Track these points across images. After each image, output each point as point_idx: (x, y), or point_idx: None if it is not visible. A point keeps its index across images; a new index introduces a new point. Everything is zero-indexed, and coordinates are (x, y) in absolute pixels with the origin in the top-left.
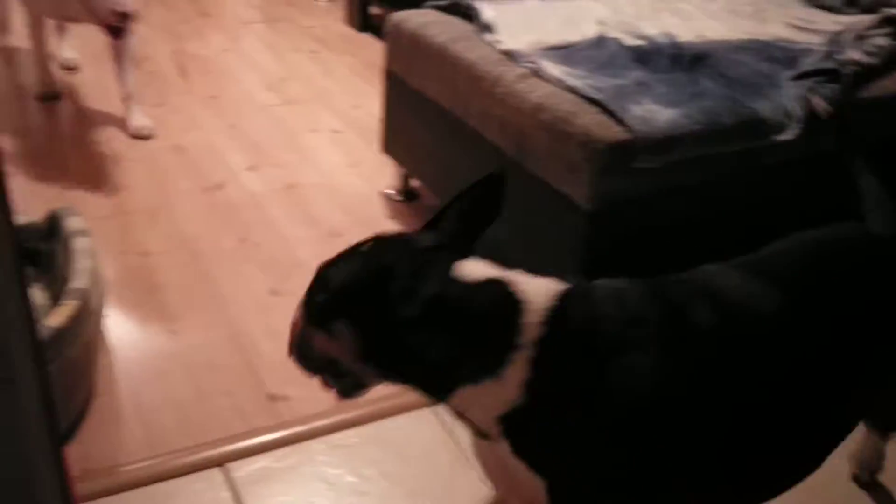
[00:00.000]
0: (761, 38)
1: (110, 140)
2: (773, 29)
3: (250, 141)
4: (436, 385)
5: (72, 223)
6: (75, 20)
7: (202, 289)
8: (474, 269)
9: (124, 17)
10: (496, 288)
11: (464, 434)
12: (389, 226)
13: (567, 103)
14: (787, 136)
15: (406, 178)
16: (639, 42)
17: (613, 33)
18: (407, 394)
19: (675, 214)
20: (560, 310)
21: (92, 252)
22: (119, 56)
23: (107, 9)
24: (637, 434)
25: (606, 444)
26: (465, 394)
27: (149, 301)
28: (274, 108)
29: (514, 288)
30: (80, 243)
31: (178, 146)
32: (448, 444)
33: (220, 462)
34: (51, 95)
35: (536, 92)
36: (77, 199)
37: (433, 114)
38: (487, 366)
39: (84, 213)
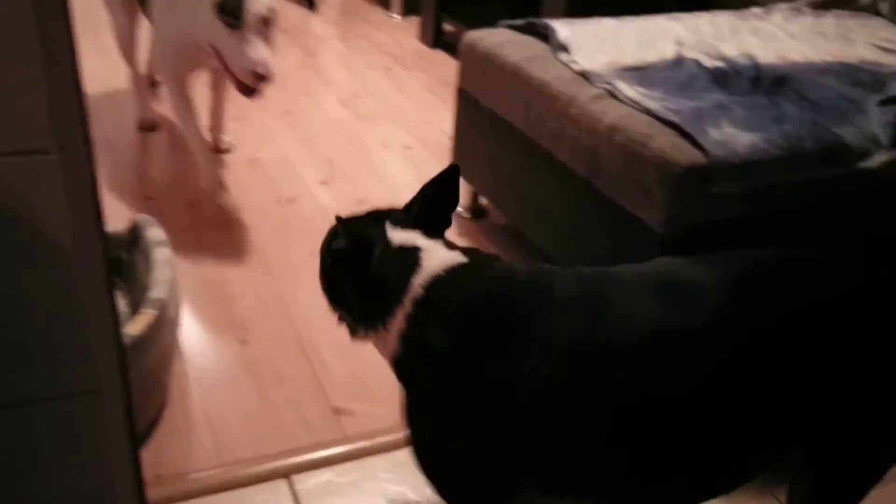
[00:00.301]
0: (847, 60)
1: (189, 154)
2: (860, 51)
3: (323, 156)
4: (354, 325)
5: (153, 234)
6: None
7: (273, 301)
8: (405, 237)
9: (263, 79)
10: (408, 253)
11: None
12: (458, 242)
13: (642, 125)
14: (873, 163)
15: (475, 196)
16: (718, 63)
17: (692, 54)
18: None
19: (752, 241)
20: (443, 278)
21: (171, 262)
22: (222, 96)
23: (248, 70)
24: (445, 410)
25: (429, 410)
26: (371, 337)
27: (221, 311)
28: (347, 124)
29: (420, 255)
30: (160, 254)
31: (253, 160)
32: None
33: (285, 474)
34: (149, 126)
35: (611, 113)
36: (157, 210)
37: (505, 133)
38: (380, 316)
39: (163, 225)
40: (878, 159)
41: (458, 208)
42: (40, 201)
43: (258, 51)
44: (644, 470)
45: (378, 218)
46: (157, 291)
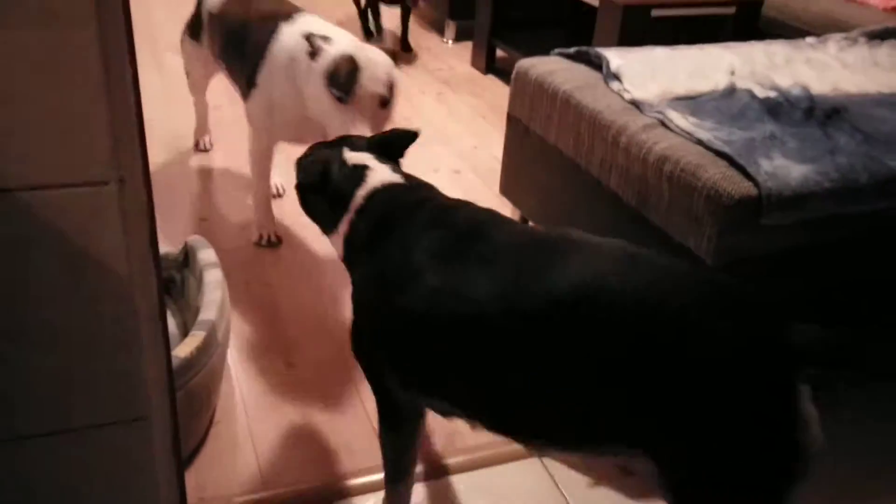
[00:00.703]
0: None
1: (242, 179)
2: None
3: None
4: (324, 230)
5: (205, 255)
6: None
7: (319, 323)
8: (358, 157)
9: None
10: (358, 171)
11: (570, 483)
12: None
13: (693, 155)
14: None
15: (523, 221)
16: (771, 93)
17: (744, 83)
18: (512, 443)
19: (803, 273)
20: (379, 191)
21: (221, 284)
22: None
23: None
24: (362, 299)
25: (357, 300)
26: (331, 239)
27: (270, 332)
28: None
29: (367, 172)
30: (211, 275)
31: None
32: (553, 494)
33: (328, 499)
34: (204, 148)
35: (662, 143)
36: (209, 230)
37: (554, 160)
38: (335, 221)
39: (215, 245)
40: None
41: None
42: (97, 231)
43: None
44: (478, 385)
45: (340, 143)
46: (206, 313)
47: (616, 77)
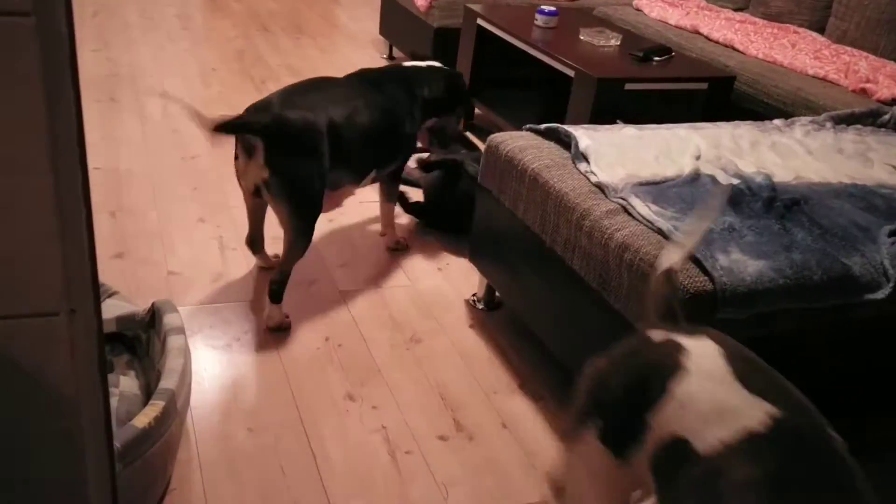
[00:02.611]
0: (863, 182)
1: (216, 231)
2: (877, 172)
3: (346, 237)
4: None
5: (170, 319)
6: None
7: (283, 387)
8: None
9: None
10: None
11: None
12: (469, 334)
13: (653, 245)
14: (880, 294)
15: (490, 288)
16: (734, 180)
17: (709, 169)
18: None
19: None
20: None
21: (185, 351)
22: None
23: None
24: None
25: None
26: None
27: (231, 394)
28: (371, 205)
29: None
30: (175, 341)
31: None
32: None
33: None
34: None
35: (623, 230)
36: (181, 284)
37: (521, 234)
38: None
39: (182, 299)
40: (884, 291)
41: (473, 298)
42: (46, 358)
43: None
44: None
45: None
46: (167, 381)
47: (584, 157)
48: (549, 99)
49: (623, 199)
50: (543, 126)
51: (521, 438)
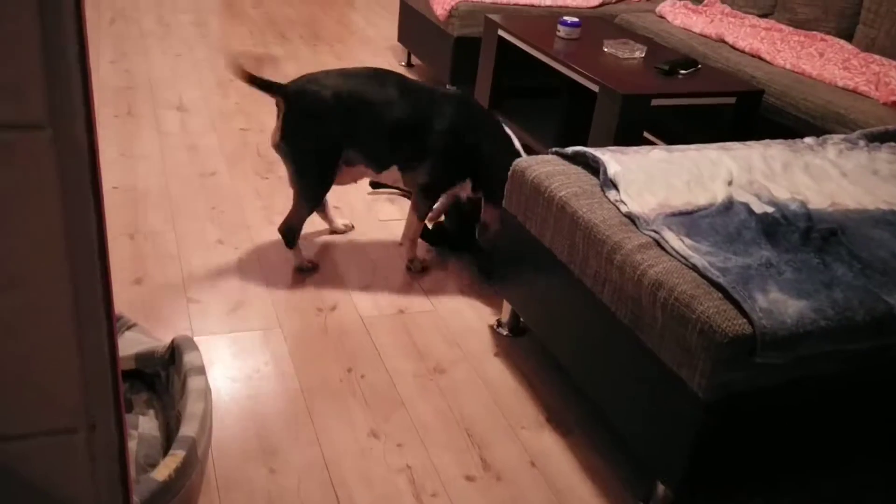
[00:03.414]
0: None
1: (237, 254)
2: None
3: (368, 260)
4: None
5: (191, 358)
6: None
7: (305, 423)
8: None
9: None
10: None
11: None
12: (494, 363)
13: (688, 284)
14: None
15: (515, 314)
16: (768, 208)
17: (742, 196)
18: None
19: (797, 406)
20: None
21: (205, 394)
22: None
23: None
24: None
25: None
26: None
27: (254, 432)
28: (391, 224)
29: None
30: (195, 382)
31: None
32: None
33: None
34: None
35: (657, 266)
36: (199, 312)
37: (548, 263)
38: None
39: (202, 327)
40: None
41: (498, 324)
42: (64, 478)
43: None
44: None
45: None
46: (187, 428)
47: (613, 184)
48: (571, 109)
49: (655, 231)
50: (570, 150)
51: (551, 477)
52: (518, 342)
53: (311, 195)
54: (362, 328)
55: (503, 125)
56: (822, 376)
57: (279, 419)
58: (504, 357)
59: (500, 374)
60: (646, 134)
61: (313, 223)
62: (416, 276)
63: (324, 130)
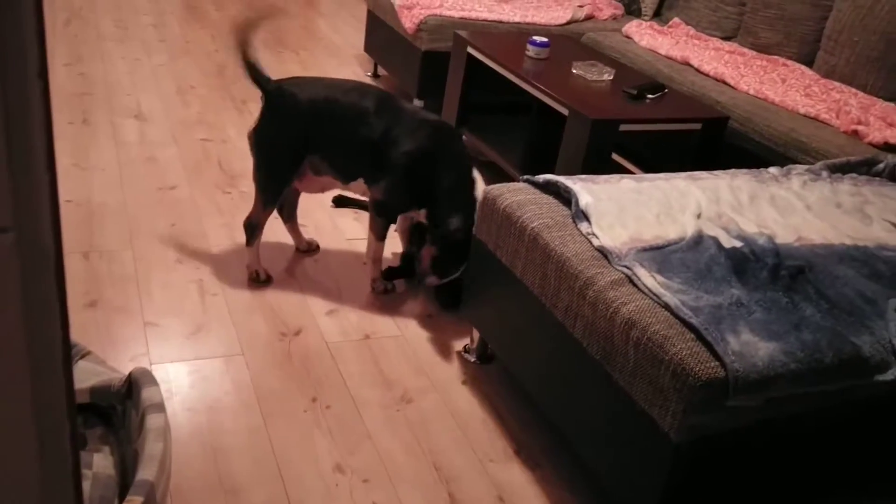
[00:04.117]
0: (864, 243)
1: (195, 274)
2: (877, 231)
3: (334, 281)
4: None
5: (149, 394)
6: None
7: (268, 458)
8: None
9: None
10: None
11: None
12: (462, 393)
13: (661, 324)
14: (890, 375)
15: (484, 341)
16: (737, 243)
17: (711, 230)
18: None
19: (768, 446)
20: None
21: (164, 433)
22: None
23: None
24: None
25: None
26: None
27: (214, 468)
28: (358, 243)
29: None
30: (154, 420)
31: (258, 289)
32: None
33: None
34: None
35: (629, 304)
36: (159, 335)
37: (519, 293)
38: None
39: (161, 354)
40: (893, 372)
41: (465, 351)
42: None
43: None
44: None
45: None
46: (146, 472)
47: (585, 216)
48: (540, 128)
49: (628, 267)
50: (542, 179)
51: None
52: (486, 369)
53: (266, 190)
54: (328, 354)
55: (472, 167)
56: (792, 416)
57: (241, 455)
58: (472, 385)
59: (467, 404)
60: (614, 156)
61: (282, 241)
62: (383, 297)
63: (290, 132)
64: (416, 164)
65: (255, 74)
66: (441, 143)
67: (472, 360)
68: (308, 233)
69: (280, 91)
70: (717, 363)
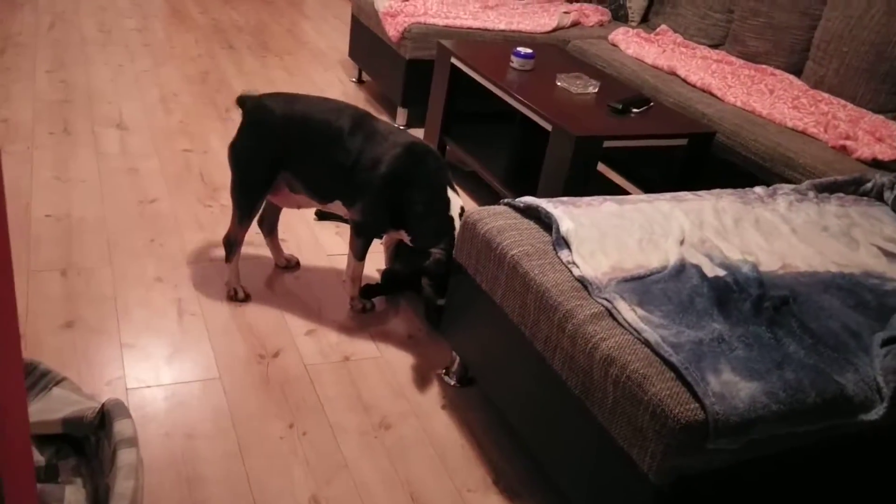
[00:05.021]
0: (850, 270)
1: (175, 292)
2: (863, 257)
3: (314, 299)
4: None
5: (121, 428)
6: None
7: (243, 489)
8: None
9: None
10: None
11: None
12: (441, 418)
13: (640, 361)
14: (874, 415)
15: (462, 368)
16: (720, 271)
17: (694, 257)
18: None
19: (750, 486)
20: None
21: (136, 470)
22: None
23: None
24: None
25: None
26: None
27: (189, 497)
28: (338, 258)
29: None
30: (126, 456)
31: (237, 307)
32: None
33: None
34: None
35: (609, 340)
36: (137, 357)
37: (498, 320)
38: None
39: (142, 375)
40: (878, 412)
41: (445, 374)
42: None
43: None
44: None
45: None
46: None
47: (565, 243)
48: (524, 138)
49: (608, 300)
50: (522, 203)
51: None
52: (465, 392)
53: (240, 205)
54: (306, 377)
55: (447, 187)
56: (774, 455)
57: (217, 484)
58: (451, 409)
59: (446, 430)
60: (600, 166)
61: (262, 255)
62: (362, 315)
63: (263, 148)
64: (390, 187)
65: (243, 97)
66: (414, 165)
67: (452, 383)
68: (289, 248)
69: (256, 107)
70: (696, 405)
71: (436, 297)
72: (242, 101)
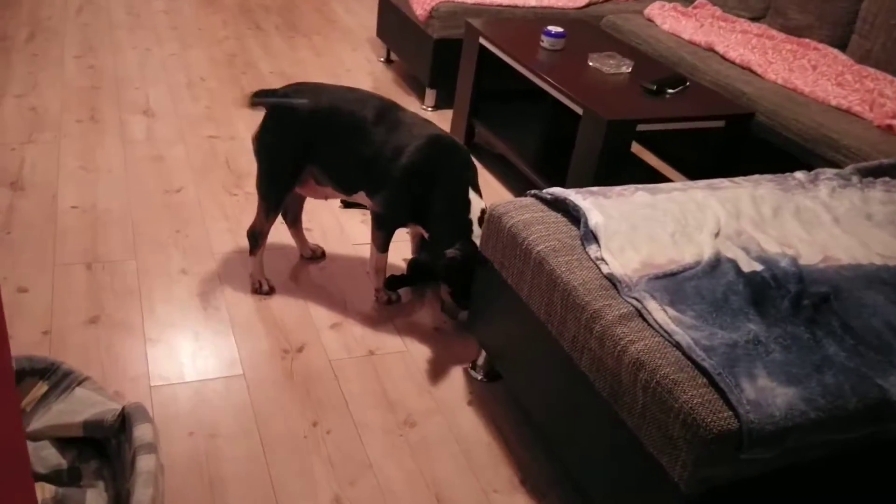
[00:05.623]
0: (895, 262)
1: (200, 284)
2: None
3: (339, 291)
4: None
5: (142, 432)
6: None
7: (265, 489)
8: None
9: None
10: None
11: None
12: (467, 414)
13: (671, 366)
14: None
15: (488, 363)
16: (757, 266)
17: (730, 251)
18: None
19: (784, 495)
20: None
21: (154, 478)
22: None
23: None
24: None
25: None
26: None
27: (211, 498)
28: (363, 248)
29: None
30: (145, 463)
31: (262, 301)
32: None
33: None
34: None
35: (638, 343)
36: (161, 354)
37: (525, 317)
38: None
39: (160, 378)
40: None
41: (472, 368)
42: None
43: None
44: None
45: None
46: None
47: (594, 237)
48: (554, 119)
49: (637, 299)
50: (550, 195)
51: None
52: (492, 388)
53: (267, 198)
54: (330, 373)
55: (469, 187)
56: (811, 464)
57: (239, 485)
58: (478, 405)
59: (472, 427)
60: (634, 146)
61: (287, 245)
62: (388, 307)
63: (289, 140)
64: (411, 178)
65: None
66: (437, 158)
67: (479, 377)
68: (314, 237)
69: (281, 100)
70: (730, 413)
71: (455, 305)
72: (257, 99)
